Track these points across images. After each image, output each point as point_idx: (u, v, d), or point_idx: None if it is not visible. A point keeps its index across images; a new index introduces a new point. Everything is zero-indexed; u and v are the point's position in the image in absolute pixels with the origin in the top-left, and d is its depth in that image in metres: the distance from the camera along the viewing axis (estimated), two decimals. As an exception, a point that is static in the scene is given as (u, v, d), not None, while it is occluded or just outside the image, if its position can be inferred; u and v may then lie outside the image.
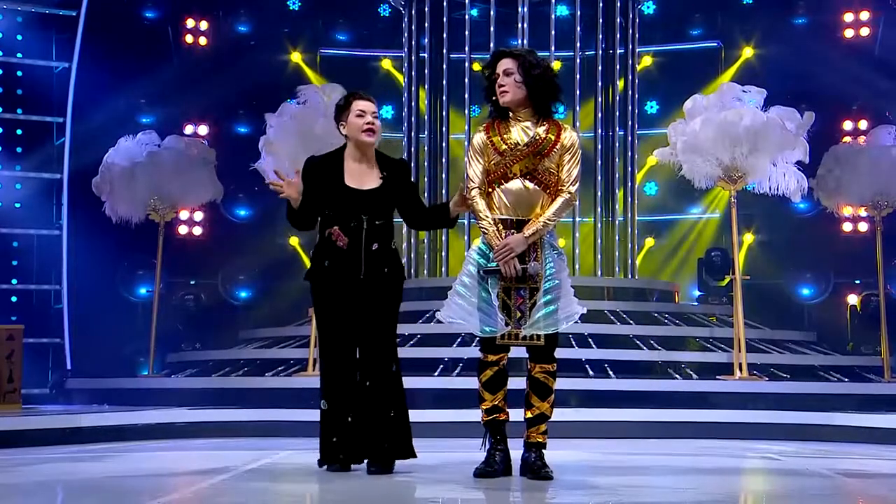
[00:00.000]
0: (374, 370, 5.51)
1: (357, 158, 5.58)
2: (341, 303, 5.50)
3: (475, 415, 5.47)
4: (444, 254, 13.48)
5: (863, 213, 12.48)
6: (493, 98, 5.32)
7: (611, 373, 10.39)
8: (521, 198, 5.22)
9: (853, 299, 13.80)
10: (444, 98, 13.72)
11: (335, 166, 5.55)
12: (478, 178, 5.27)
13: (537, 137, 5.24)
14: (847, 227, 13.97)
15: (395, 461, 5.55)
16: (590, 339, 10.90)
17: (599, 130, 13.53)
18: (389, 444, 5.50)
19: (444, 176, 13.56)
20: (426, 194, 13.53)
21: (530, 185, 5.22)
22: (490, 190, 5.27)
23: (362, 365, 5.55)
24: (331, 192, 5.52)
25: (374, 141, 5.60)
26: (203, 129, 14.55)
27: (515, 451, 5.42)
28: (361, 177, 5.54)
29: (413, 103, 13.83)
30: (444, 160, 13.64)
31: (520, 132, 5.27)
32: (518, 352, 5.39)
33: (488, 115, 5.41)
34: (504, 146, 5.23)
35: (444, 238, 13.49)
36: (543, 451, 5.32)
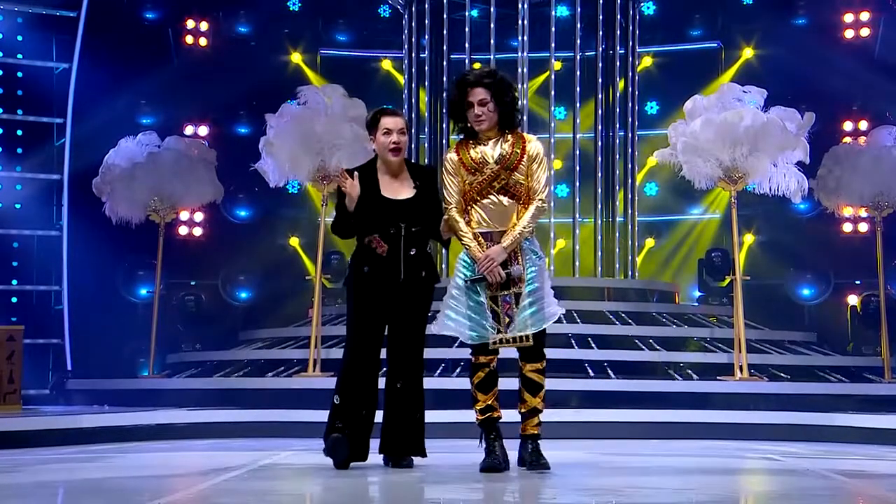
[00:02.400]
0: (406, 372, 5.82)
1: (388, 171, 5.87)
2: (379, 306, 5.77)
3: (474, 416, 5.66)
4: (443, 258, 13.47)
5: (863, 213, 12.50)
6: (468, 125, 5.59)
7: (611, 373, 10.39)
8: (496, 212, 5.56)
9: (853, 300, 13.80)
10: (445, 98, 13.71)
11: (371, 178, 5.83)
12: (454, 197, 5.60)
13: (504, 154, 5.55)
14: (847, 227, 13.98)
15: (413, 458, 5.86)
16: (590, 340, 10.90)
17: (600, 131, 13.53)
18: (415, 442, 5.81)
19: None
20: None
21: (504, 199, 5.56)
22: (468, 207, 5.59)
23: (394, 366, 5.83)
24: (369, 202, 5.78)
25: (399, 158, 5.88)
26: (203, 130, 14.55)
27: (511, 450, 5.60)
28: (396, 187, 5.83)
29: (413, 104, 13.82)
30: (444, 160, 13.63)
31: (487, 149, 5.58)
32: (510, 352, 5.66)
33: (457, 134, 5.70)
34: (475, 165, 5.57)
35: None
36: (539, 441, 5.60)
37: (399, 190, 5.82)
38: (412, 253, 5.75)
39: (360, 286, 5.78)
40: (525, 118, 5.84)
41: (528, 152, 5.55)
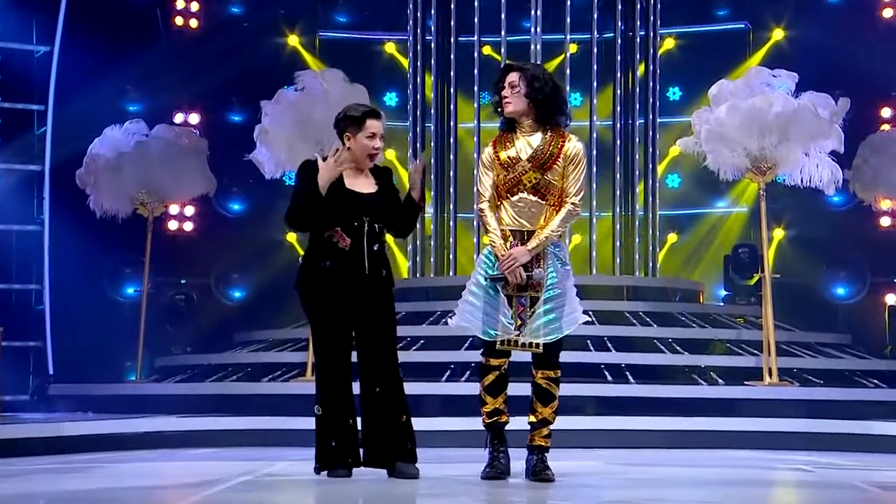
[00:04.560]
0: (383, 375, 5.85)
1: (354, 167, 5.97)
2: (343, 304, 5.83)
3: (482, 418, 5.78)
4: (451, 252, 13.49)
5: (901, 206, 12.48)
6: (500, 110, 5.83)
7: (630, 378, 10.40)
8: (526, 210, 5.75)
9: (892, 299, 13.78)
10: (452, 84, 13.72)
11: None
12: (488, 191, 5.82)
13: (539, 152, 5.73)
14: (885, 221, 13.93)
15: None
16: (608, 342, 10.90)
17: (618, 119, 13.53)
18: (412, 444, 5.83)
19: (451, 168, 13.56)
20: (433, 187, 13.53)
21: (534, 197, 5.74)
22: (498, 203, 5.81)
23: (369, 370, 5.87)
24: (332, 194, 5.84)
25: (372, 163, 6.05)
26: (194, 118, 14.57)
27: (517, 459, 5.70)
28: (359, 181, 5.94)
29: (419, 90, 13.83)
30: (451, 151, 13.64)
31: (524, 145, 5.79)
32: (524, 357, 5.76)
33: (499, 129, 5.91)
34: (508, 160, 5.76)
35: (451, 237, 13.50)
36: (546, 454, 5.72)
37: (362, 184, 5.93)
38: (375, 249, 5.86)
39: (320, 283, 5.82)
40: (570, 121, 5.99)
41: (566, 152, 5.72)
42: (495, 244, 5.72)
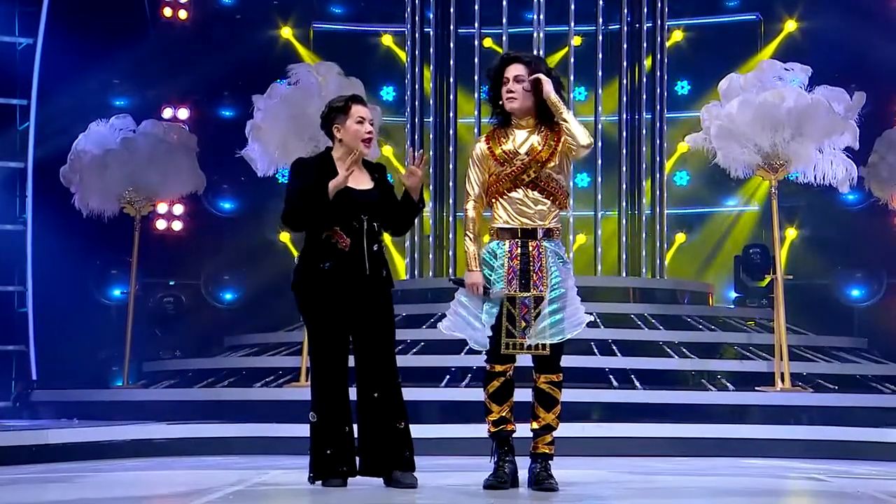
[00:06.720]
0: (381, 380, 5.86)
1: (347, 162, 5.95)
2: (342, 306, 5.84)
3: (485, 430, 5.76)
4: (451, 251, 13.48)
5: (919, 205, 12.48)
6: (500, 102, 5.72)
7: (637, 383, 10.41)
8: (525, 207, 5.67)
9: (909, 301, 13.79)
10: (452, 78, 13.72)
11: (329, 168, 5.92)
12: (476, 189, 5.75)
13: (535, 147, 5.66)
14: (902, 220, 13.94)
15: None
16: (614, 346, 10.91)
17: (624, 114, 13.52)
18: (410, 452, 5.83)
19: (451, 163, 13.56)
20: (432, 183, 13.53)
21: (534, 193, 5.67)
22: (493, 200, 5.73)
23: (367, 375, 5.88)
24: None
25: (370, 150, 6.05)
26: (183, 113, 14.57)
27: (524, 468, 5.67)
28: (355, 178, 5.90)
29: (417, 84, 13.82)
30: (451, 147, 13.64)
31: (521, 139, 5.70)
32: (524, 361, 5.74)
33: (490, 122, 5.84)
34: (504, 155, 5.68)
35: (451, 235, 13.50)
36: (550, 462, 5.69)
37: (359, 181, 5.92)
38: (375, 249, 5.88)
39: (319, 285, 5.83)
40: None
41: (564, 143, 5.63)
42: (468, 251, 5.67)
